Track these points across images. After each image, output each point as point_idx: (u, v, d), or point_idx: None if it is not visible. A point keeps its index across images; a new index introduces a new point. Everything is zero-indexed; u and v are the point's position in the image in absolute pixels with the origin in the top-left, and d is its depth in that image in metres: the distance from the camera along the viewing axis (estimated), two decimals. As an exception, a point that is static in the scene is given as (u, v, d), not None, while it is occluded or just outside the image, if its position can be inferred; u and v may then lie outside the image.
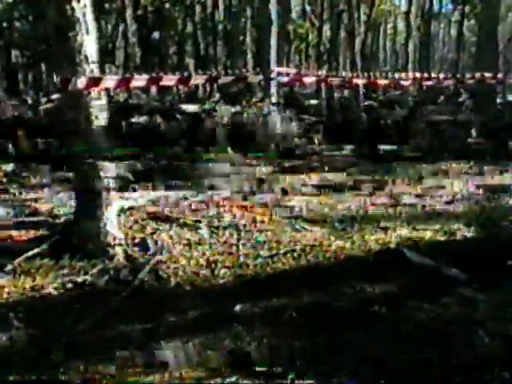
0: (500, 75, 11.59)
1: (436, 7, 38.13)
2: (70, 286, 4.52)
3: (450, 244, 5.44)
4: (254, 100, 14.67)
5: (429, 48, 32.41)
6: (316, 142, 12.69)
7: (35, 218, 6.32)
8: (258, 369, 3.21)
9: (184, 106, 16.63)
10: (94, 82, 5.16)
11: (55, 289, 4.46)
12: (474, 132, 12.99)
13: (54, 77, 5.75)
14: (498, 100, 18.21)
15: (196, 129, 12.61)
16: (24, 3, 24.71)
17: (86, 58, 5.08)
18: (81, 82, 5.04)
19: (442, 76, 10.73)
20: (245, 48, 30.13)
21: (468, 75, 11.65)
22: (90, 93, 5.11)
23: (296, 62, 37.34)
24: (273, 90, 15.25)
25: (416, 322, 3.78)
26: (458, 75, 14.03)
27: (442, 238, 5.57)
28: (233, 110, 14.00)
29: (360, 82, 9.30)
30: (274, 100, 14.41)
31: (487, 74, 10.43)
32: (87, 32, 5.06)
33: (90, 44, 5.09)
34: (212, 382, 3.11)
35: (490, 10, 17.43)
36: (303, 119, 15.09)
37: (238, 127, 12.45)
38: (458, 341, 3.51)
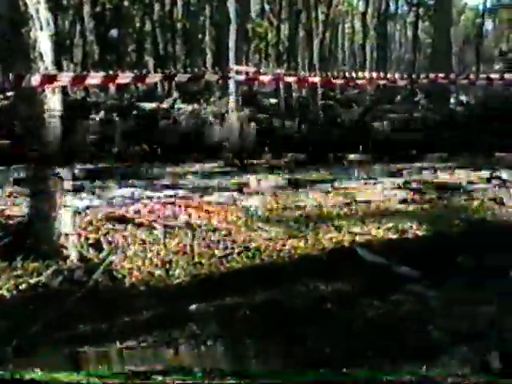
0: (452, 76, 11.82)
1: (392, 8, 38.70)
2: (23, 287, 4.47)
3: (402, 242, 5.55)
4: (212, 98, 14.67)
5: (386, 48, 32.88)
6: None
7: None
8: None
9: (142, 104, 16.52)
10: (49, 79, 5.08)
11: (8, 290, 4.40)
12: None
13: (10, 74, 5.68)
14: (452, 100, 18.63)
15: (152, 128, 12.54)
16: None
17: (41, 54, 5.00)
18: (35, 79, 4.97)
19: (397, 76, 10.89)
20: (204, 46, 30.04)
21: (423, 75, 11.86)
22: (44, 90, 5.04)
23: (255, 61, 37.40)
24: (231, 88, 15.28)
25: (367, 318, 3.86)
26: (414, 75, 14.28)
27: (394, 236, 5.69)
28: (190, 109, 13.97)
29: (317, 80, 9.37)
30: (232, 99, 14.43)
31: (441, 75, 10.64)
32: (41, 28, 4.99)
33: (44, 40, 5.01)
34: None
35: (443, 12, 17.82)
36: (260, 119, 15.15)
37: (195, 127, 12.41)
38: (408, 337, 3.59)
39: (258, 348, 3.51)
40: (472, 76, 11.05)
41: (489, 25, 45.85)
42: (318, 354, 3.40)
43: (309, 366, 3.25)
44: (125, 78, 6.60)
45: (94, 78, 6.25)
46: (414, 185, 8.37)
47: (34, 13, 4.94)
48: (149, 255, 5.07)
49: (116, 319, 3.89)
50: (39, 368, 3.19)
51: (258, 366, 3.30)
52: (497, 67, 32.71)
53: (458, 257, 4.93)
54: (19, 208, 6.51)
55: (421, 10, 33.08)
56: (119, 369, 3.31)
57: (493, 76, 7.94)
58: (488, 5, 39.10)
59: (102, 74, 6.34)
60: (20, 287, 4.45)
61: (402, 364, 3.28)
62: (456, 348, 3.45)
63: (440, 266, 4.73)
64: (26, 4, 4.91)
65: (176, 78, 9.09)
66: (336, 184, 8.46)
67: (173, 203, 6.85)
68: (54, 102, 5.11)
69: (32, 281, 4.53)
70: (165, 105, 15.51)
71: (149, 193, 7.66)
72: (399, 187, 8.20)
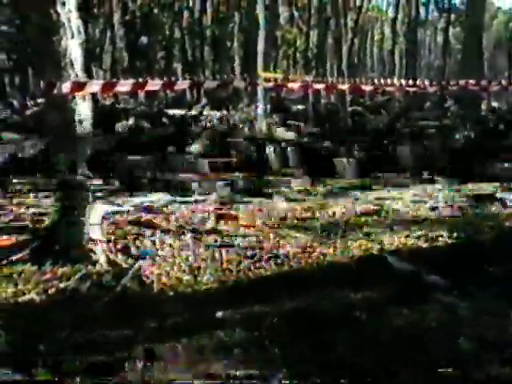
0: (484, 82, 11.68)
1: (422, 14, 38.39)
2: (52, 291, 4.51)
3: (432, 250, 5.47)
4: (240, 105, 14.71)
5: (415, 55, 32.60)
6: None
7: (18, 223, 6.29)
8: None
9: (171, 111, 16.64)
10: (79, 86, 5.15)
11: (37, 294, 4.44)
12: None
13: (41, 81, 5.75)
14: (483, 106, 18.38)
15: (181, 134, 12.60)
16: (10, 7, 24.61)
17: (71, 62, 5.07)
18: (65, 87, 5.04)
19: (427, 82, 10.81)
20: (232, 53, 30.17)
21: (453, 82, 11.75)
22: (74, 97, 5.10)
23: (284, 67, 37.43)
24: (259, 95, 15.29)
25: (395, 327, 3.80)
26: (443, 82, 14.15)
27: (424, 245, 5.61)
28: (218, 115, 14.02)
29: (345, 87, 9.35)
30: (260, 105, 14.45)
31: (471, 81, 10.53)
32: (72, 36, 5.06)
33: (74, 48, 5.09)
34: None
35: (475, 18, 17.59)
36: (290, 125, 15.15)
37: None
38: (435, 346, 3.53)
39: (286, 355, 3.47)
40: (504, 82, 10.91)
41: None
42: (345, 361, 3.36)
43: (336, 374, 3.21)
44: (154, 85, 6.67)
45: (124, 86, 6.33)
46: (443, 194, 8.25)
47: (65, 21, 5.01)
48: (177, 261, 5.08)
49: (143, 324, 3.89)
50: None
51: (285, 374, 3.26)
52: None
53: (488, 265, 4.84)
54: (49, 213, 6.58)
55: (452, 16, 32.75)
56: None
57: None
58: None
59: (131, 81, 6.42)
60: (49, 291, 4.49)
61: (427, 374, 3.21)
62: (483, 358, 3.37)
63: (469, 274, 4.65)
64: (57, 12, 4.98)
65: (204, 85, 9.19)
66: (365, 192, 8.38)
67: (202, 209, 6.87)
68: (84, 109, 5.17)
69: (61, 285, 4.57)
70: (193, 111, 15.59)
71: (178, 198, 7.69)
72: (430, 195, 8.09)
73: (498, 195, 7.83)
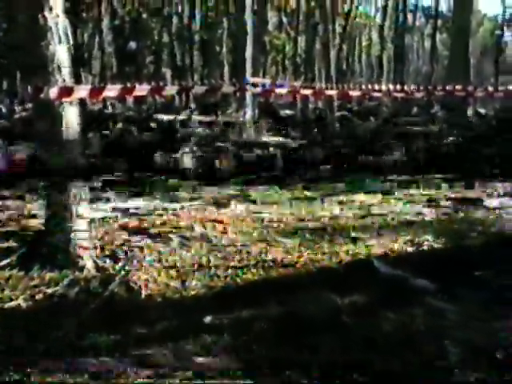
0: (470, 88, 11.77)
1: (410, 20, 38.66)
2: (39, 297, 4.49)
3: (419, 255, 5.51)
4: (228, 110, 14.76)
5: (403, 61, 32.82)
6: None
7: (4, 229, 6.26)
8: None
9: (159, 116, 16.64)
10: (66, 91, 5.14)
11: (24, 300, 4.43)
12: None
13: (28, 86, 5.76)
14: (469, 112, 18.53)
15: (170, 139, 12.61)
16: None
17: (59, 67, 5.06)
18: (53, 92, 5.03)
19: (413, 88, 10.87)
20: (221, 59, 30.24)
21: (440, 87, 11.82)
22: (61, 102, 5.09)
23: (272, 73, 37.54)
24: (248, 100, 15.35)
25: (383, 331, 3.83)
26: (430, 87, 14.23)
27: (411, 249, 5.65)
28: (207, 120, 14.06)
29: (333, 93, 9.38)
30: (248, 111, 14.50)
31: (458, 87, 10.59)
32: (60, 41, 5.05)
33: (62, 53, 5.07)
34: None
35: (461, 24, 17.76)
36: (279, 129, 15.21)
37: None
38: (424, 350, 3.56)
39: (273, 360, 3.49)
40: (490, 88, 11.00)
41: (508, 36, 45.57)
42: (332, 365, 3.37)
43: (322, 378, 3.23)
44: (142, 90, 6.66)
45: (112, 91, 6.31)
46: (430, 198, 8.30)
47: (53, 26, 5.01)
48: (165, 266, 5.08)
49: (130, 330, 3.89)
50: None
51: (272, 378, 3.27)
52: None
53: (474, 270, 4.88)
54: (36, 218, 6.56)
55: (438, 22, 33.03)
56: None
57: None
58: (507, 16, 38.86)
59: (119, 86, 6.40)
60: (36, 297, 4.47)
61: (415, 377, 3.24)
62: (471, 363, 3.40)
63: (456, 279, 4.70)
64: (45, 17, 4.97)
65: (193, 90, 9.19)
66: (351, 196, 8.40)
67: (189, 214, 6.88)
68: (71, 115, 5.16)
69: (48, 291, 4.56)
70: (182, 116, 15.61)
71: (166, 204, 7.69)
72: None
73: (484, 200, 7.90)
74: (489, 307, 4.20)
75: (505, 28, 38.39)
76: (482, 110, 20.60)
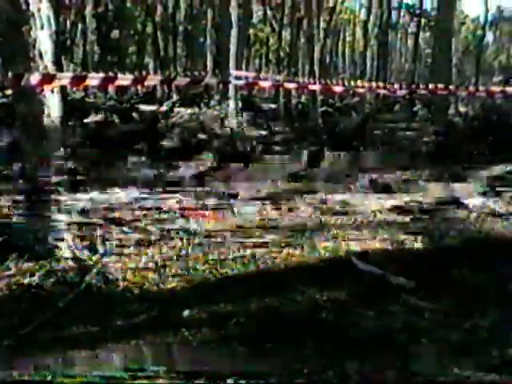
0: (452, 87, 11.86)
1: (394, 18, 38.83)
2: (15, 287, 4.44)
3: (398, 253, 5.54)
4: (211, 102, 14.71)
5: (386, 57, 32.96)
6: None
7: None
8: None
9: (142, 107, 16.53)
10: (48, 78, 5.07)
11: (0, 290, 4.37)
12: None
13: (9, 72, 5.66)
14: (451, 111, 18.68)
15: (152, 130, 12.54)
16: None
17: (41, 53, 4.98)
18: (34, 79, 4.95)
19: (396, 85, 10.92)
20: (205, 50, 30.09)
21: (422, 85, 11.89)
22: (43, 90, 5.02)
23: (256, 66, 37.50)
24: (231, 93, 15.30)
25: (362, 328, 3.85)
26: (413, 85, 14.33)
27: (390, 248, 5.68)
28: (189, 112, 13.99)
29: (316, 87, 9.39)
30: (231, 103, 14.46)
31: (440, 85, 10.67)
32: (42, 27, 4.97)
33: (44, 40, 4.99)
34: None
35: (444, 23, 17.87)
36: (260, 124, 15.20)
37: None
38: (401, 346, 3.58)
39: (251, 355, 3.49)
40: (471, 87, 11.10)
41: (489, 37, 46.05)
42: (311, 361, 3.38)
43: (301, 374, 3.24)
44: (124, 79, 6.60)
45: (94, 79, 6.24)
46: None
47: (35, 11, 4.92)
48: (143, 258, 5.05)
49: (107, 322, 3.86)
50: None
51: (250, 374, 3.27)
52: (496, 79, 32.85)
53: (452, 269, 4.93)
54: (14, 207, 6.49)
55: (422, 21, 33.23)
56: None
57: (493, 88, 7.92)
58: (489, 17, 39.27)
59: (101, 75, 6.33)
60: (12, 287, 4.42)
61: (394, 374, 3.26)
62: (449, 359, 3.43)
63: (434, 277, 4.73)
64: (27, 2, 4.89)
65: (175, 81, 9.13)
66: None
67: (169, 207, 6.85)
68: (53, 102, 5.10)
69: (25, 281, 4.50)
70: (164, 107, 15.52)
71: (146, 196, 7.65)
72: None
73: (463, 200, 7.95)
74: (465, 306, 4.22)
75: (486, 29, 38.76)
76: (463, 109, 20.79)
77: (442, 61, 17.45)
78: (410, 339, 3.69)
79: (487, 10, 36.54)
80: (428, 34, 36.06)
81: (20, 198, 5.70)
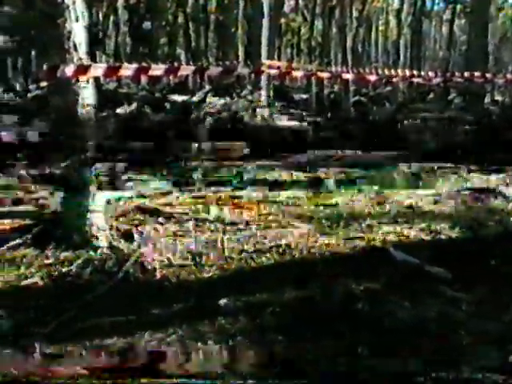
0: (489, 75, 11.65)
1: (428, 5, 38.20)
2: (54, 276, 4.51)
3: (435, 243, 5.47)
4: (243, 92, 14.69)
5: (420, 46, 32.47)
6: None
7: (20, 208, 6.29)
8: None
9: (174, 97, 16.60)
10: (82, 69, 5.12)
11: (41, 278, 4.45)
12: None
13: (44, 64, 5.73)
14: (487, 99, 18.33)
15: (184, 120, 12.59)
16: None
17: (75, 45, 5.04)
18: (68, 70, 5.01)
19: (431, 74, 10.77)
20: (236, 40, 30.05)
21: (457, 74, 11.71)
22: (77, 80, 5.08)
23: (287, 55, 37.32)
24: (263, 83, 15.26)
25: (397, 318, 3.81)
26: (448, 73, 14.11)
27: (427, 237, 5.61)
28: (221, 102, 14.00)
29: (349, 76, 9.31)
30: (263, 93, 14.43)
31: (476, 73, 10.49)
32: (76, 19, 5.02)
33: (79, 31, 5.05)
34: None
35: (480, 9, 17.52)
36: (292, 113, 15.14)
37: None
38: (436, 338, 3.54)
39: (287, 345, 3.49)
40: (509, 75, 10.87)
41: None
42: (346, 350, 3.36)
43: (337, 363, 3.23)
44: (157, 70, 6.64)
45: (128, 69, 6.29)
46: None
47: (70, 4, 4.98)
48: (179, 248, 5.08)
49: (144, 311, 3.90)
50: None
51: (286, 363, 3.28)
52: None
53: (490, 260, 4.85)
54: (52, 198, 6.59)
55: (458, 7, 32.61)
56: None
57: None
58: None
59: (134, 65, 6.38)
60: (51, 276, 4.49)
61: (430, 364, 3.23)
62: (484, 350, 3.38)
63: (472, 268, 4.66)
64: (62, -5, 4.94)
65: (208, 71, 9.15)
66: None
67: (205, 197, 6.87)
68: (87, 93, 5.15)
69: (63, 270, 4.57)
70: (196, 98, 15.56)
71: (181, 186, 7.70)
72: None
73: (501, 189, 7.82)
74: (502, 297, 4.15)
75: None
76: (500, 98, 20.39)
77: (478, 48, 17.13)
78: (446, 330, 3.65)
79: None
80: (463, 20, 35.38)
81: (57, 188, 5.78)
